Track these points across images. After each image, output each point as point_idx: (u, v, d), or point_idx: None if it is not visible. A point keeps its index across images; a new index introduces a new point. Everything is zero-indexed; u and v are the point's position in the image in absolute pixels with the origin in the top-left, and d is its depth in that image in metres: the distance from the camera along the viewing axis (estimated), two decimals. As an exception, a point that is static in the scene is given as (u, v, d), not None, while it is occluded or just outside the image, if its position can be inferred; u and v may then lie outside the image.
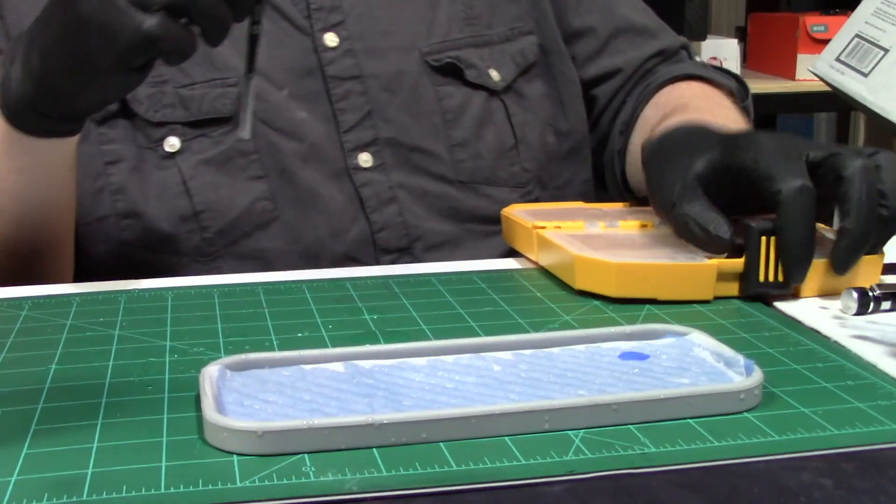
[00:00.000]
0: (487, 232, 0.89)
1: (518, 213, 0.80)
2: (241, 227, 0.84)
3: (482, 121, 0.89)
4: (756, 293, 0.65)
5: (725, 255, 0.66)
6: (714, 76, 0.96)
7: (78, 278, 0.85)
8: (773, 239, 0.64)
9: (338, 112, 0.85)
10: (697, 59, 1.02)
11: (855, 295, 0.62)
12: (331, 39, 0.86)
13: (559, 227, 0.75)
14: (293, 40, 0.86)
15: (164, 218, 0.83)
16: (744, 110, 0.94)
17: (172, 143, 0.83)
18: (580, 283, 0.67)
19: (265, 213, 0.84)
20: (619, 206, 0.84)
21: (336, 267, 0.83)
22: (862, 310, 0.62)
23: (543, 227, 0.74)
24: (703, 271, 0.65)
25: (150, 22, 0.63)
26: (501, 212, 0.82)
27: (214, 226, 0.83)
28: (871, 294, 0.63)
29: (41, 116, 0.71)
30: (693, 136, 0.72)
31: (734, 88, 0.96)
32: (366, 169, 0.85)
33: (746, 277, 0.65)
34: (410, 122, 0.86)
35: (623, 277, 0.65)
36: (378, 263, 0.85)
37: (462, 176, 0.88)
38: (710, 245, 0.66)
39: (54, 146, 0.74)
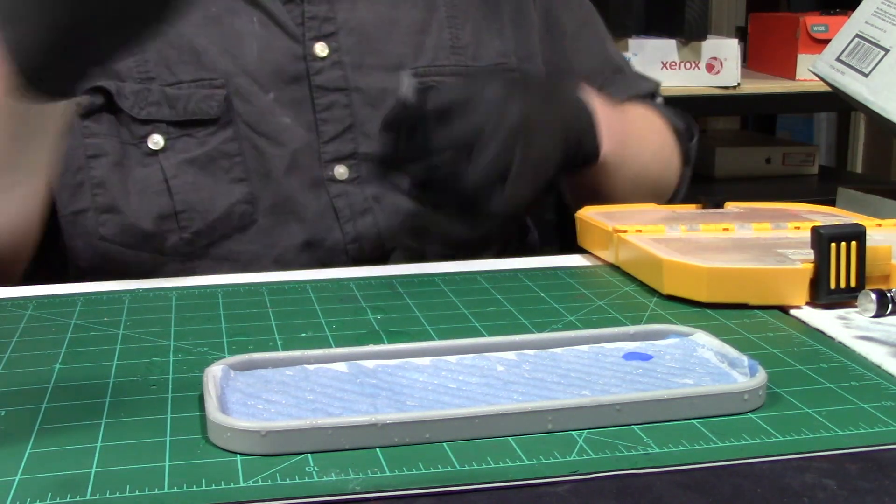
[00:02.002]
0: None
1: (593, 215, 0.79)
2: (220, 228, 0.84)
3: None
4: (828, 302, 0.63)
5: None
6: (659, 108, 0.98)
7: (57, 273, 0.85)
8: (843, 245, 0.63)
9: (320, 122, 0.86)
10: (659, 99, 1.05)
11: (873, 296, 0.61)
12: (321, 49, 0.86)
13: (640, 231, 0.73)
14: (283, 46, 0.86)
15: (143, 215, 0.83)
16: (676, 137, 0.96)
17: (156, 141, 0.83)
18: (668, 288, 0.66)
19: (245, 217, 0.84)
20: (691, 208, 0.83)
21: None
22: (881, 311, 0.61)
23: (625, 231, 0.73)
24: (796, 276, 0.64)
25: None
26: (576, 214, 0.81)
27: (193, 226, 0.83)
28: (889, 295, 0.61)
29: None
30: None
31: (680, 128, 0.98)
32: (341, 181, 0.86)
33: (817, 285, 0.63)
34: None
35: (714, 282, 0.64)
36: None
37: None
38: None
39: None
